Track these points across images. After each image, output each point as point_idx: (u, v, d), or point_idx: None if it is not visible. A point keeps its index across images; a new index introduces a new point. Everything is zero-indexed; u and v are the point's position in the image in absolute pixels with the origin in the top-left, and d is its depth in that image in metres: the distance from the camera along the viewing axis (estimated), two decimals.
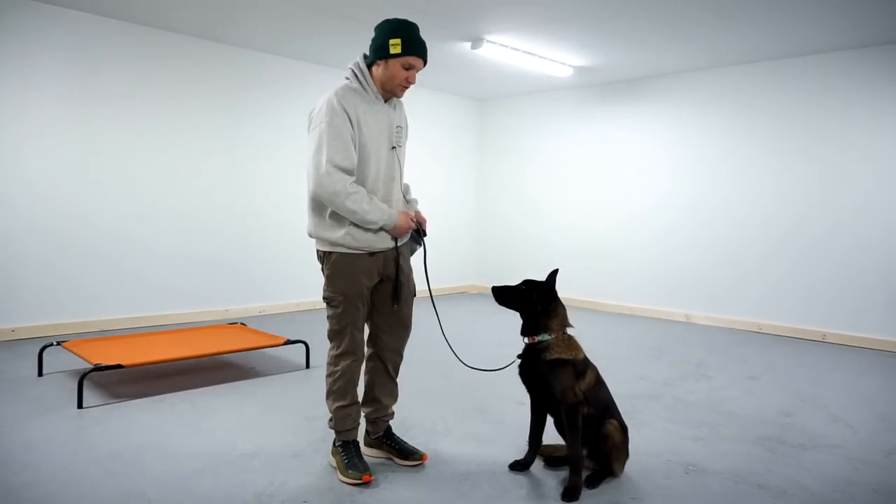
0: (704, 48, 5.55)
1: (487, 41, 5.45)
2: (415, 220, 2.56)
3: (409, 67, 2.43)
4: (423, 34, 2.57)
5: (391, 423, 2.79)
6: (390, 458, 2.69)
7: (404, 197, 2.67)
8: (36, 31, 4.80)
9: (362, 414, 2.68)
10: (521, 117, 7.85)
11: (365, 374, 2.68)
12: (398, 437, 2.72)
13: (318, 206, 2.46)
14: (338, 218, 2.43)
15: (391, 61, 2.41)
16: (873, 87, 5.31)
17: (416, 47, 2.42)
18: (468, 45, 5.58)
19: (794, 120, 5.74)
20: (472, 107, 8.25)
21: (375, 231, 2.45)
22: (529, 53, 5.84)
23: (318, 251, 2.54)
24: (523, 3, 4.55)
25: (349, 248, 2.44)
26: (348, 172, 2.37)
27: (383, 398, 2.68)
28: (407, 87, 2.49)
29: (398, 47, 2.38)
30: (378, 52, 2.43)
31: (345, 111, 2.37)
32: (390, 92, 2.49)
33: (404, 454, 2.65)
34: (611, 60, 6.07)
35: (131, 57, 5.29)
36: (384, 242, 2.50)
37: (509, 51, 5.69)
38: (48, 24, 4.85)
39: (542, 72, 6.48)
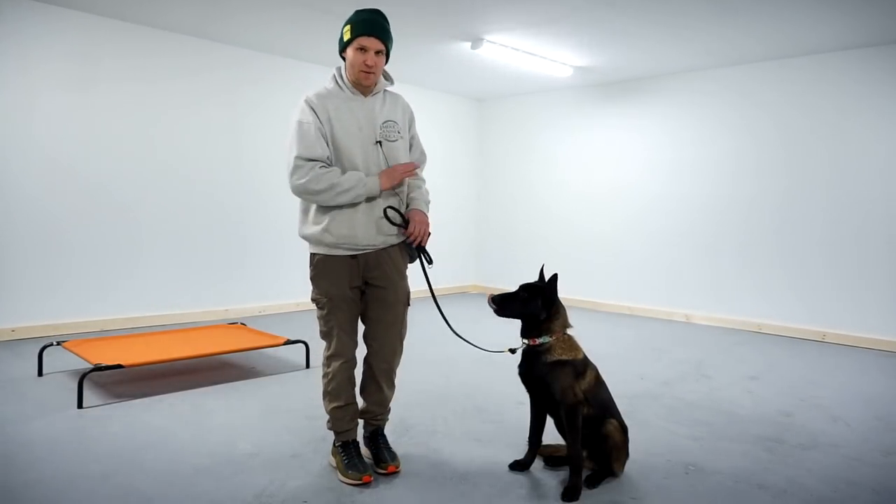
0: (704, 48, 5.55)
1: (487, 41, 5.45)
2: (417, 226, 2.47)
3: (363, 49, 2.39)
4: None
5: (388, 427, 2.77)
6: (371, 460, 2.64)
7: (413, 196, 2.59)
8: (36, 31, 4.80)
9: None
10: (521, 117, 7.85)
11: (362, 375, 2.66)
12: (382, 443, 2.64)
13: (304, 206, 2.51)
14: (318, 216, 2.44)
15: (348, 50, 2.43)
16: (873, 87, 5.31)
17: (363, 27, 2.38)
18: (468, 45, 5.58)
19: (794, 119, 5.74)
20: (472, 107, 8.25)
21: (357, 229, 2.40)
22: (529, 53, 5.84)
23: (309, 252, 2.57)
24: (523, 2, 4.55)
25: (328, 246, 2.44)
26: (319, 161, 2.38)
27: (370, 404, 2.64)
28: (370, 72, 2.41)
29: (349, 33, 2.41)
30: (339, 45, 2.49)
31: (312, 109, 2.40)
32: (357, 81, 2.45)
33: (377, 460, 2.59)
34: (611, 60, 6.07)
35: (131, 56, 5.30)
36: (367, 241, 2.45)
37: (509, 51, 5.69)
38: (48, 24, 4.85)
39: (542, 72, 6.48)
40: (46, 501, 2.28)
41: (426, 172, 2.79)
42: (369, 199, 2.44)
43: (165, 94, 5.51)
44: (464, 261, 8.21)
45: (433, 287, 2.65)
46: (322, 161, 2.38)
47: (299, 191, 2.38)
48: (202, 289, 5.81)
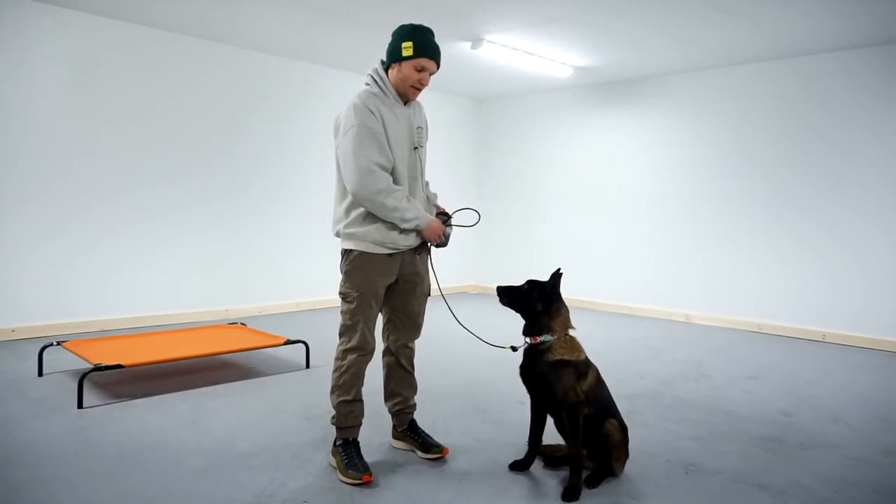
0: (704, 48, 5.55)
1: (487, 41, 5.45)
2: (443, 233, 2.62)
3: (421, 69, 2.50)
4: None
5: (415, 416, 2.88)
6: (413, 451, 2.76)
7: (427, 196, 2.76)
8: (36, 31, 4.80)
9: (386, 408, 2.82)
10: (520, 117, 7.85)
11: (382, 370, 2.80)
12: (422, 431, 2.80)
13: (347, 206, 2.53)
14: (363, 218, 2.49)
15: (404, 64, 2.49)
16: (873, 87, 5.31)
17: (427, 49, 2.50)
18: (468, 45, 5.58)
19: (793, 120, 5.74)
20: (471, 107, 8.25)
21: (400, 231, 2.51)
22: (529, 53, 5.84)
23: (342, 248, 2.60)
24: (523, 2, 4.55)
25: (373, 244, 2.51)
26: (387, 171, 2.46)
27: (402, 391, 2.79)
28: (419, 90, 2.56)
29: (410, 49, 2.47)
30: (392, 55, 2.52)
31: (372, 112, 2.45)
32: (404, 94, 2.56)
33: (425, 447, 2.72)
34: (611, 60, 6.07)
35: (131, 56, 5.30)
36: (406, 241, 2.56)
37: (509, 51, 5.69)
38: (48, 24, 4.85)
39: (542, 72, 6.48)
40: (47, 501, 2.28)
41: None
42: None
43: (165, 94, 5.51)
44: (464, 261, 8.20)
45: (438, 278, 2.79)
46: (389, 171, 2.47)
47: (368, 194, 2.40)
48: (202, 289, 5.81)
